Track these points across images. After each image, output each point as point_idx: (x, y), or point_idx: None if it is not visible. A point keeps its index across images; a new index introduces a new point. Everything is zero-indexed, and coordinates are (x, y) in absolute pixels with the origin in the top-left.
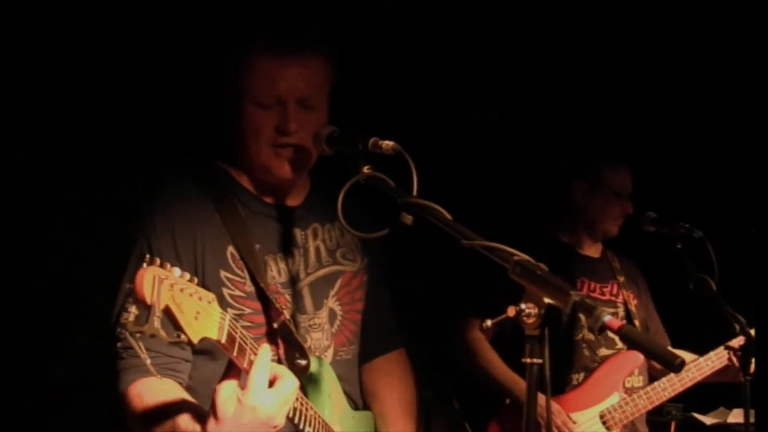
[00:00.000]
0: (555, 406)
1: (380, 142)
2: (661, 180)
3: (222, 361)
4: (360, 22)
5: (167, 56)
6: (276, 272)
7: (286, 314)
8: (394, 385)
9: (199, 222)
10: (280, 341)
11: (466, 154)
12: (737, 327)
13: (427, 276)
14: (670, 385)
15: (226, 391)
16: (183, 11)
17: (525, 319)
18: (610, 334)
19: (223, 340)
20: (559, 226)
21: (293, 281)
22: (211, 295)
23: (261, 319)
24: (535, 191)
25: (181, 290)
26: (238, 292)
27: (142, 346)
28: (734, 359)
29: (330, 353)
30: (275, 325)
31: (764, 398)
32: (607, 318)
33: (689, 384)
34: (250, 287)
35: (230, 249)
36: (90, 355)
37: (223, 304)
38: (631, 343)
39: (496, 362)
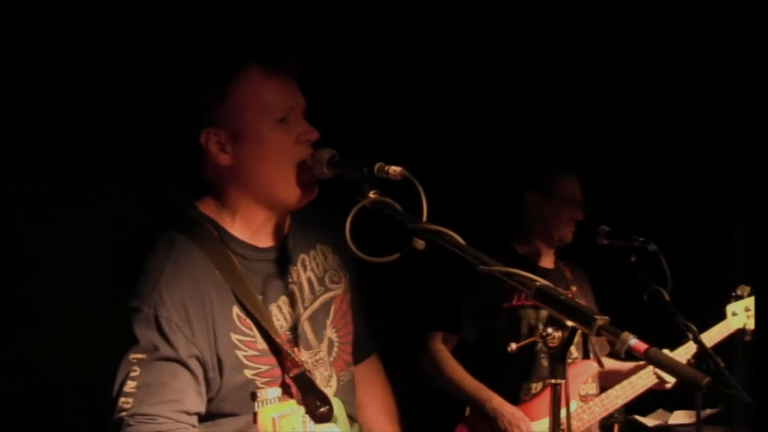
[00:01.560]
0: (519, 413)
1: (387, 168)
2: (616, 193)
3: (221, 429)
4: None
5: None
6: (282, 320)
7: (305, 365)
8: (377, 395)
9: (204, 286)
10: (296, 391)
11: (417, 165)
12: (690, 336)
13: (394, 290)
14: (623, 392)
15: None
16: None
17: (549, 342)
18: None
19: None
20: (515, 238)
21: (296, 321)
22: (294, 404)
23: (278, 372)
24: (488, 203)
25: (282, 417)
26: (251, 352)
27: None
28: (660, 375)
29: (334, 382)
30: (291, 375)
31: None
32: (633, 341)
33: (640, 391)
34: (262, 344)
35: (235, 309)
36: (41, 369)
37: (240, 366)
38: (658, 364)
39: (460, 372)
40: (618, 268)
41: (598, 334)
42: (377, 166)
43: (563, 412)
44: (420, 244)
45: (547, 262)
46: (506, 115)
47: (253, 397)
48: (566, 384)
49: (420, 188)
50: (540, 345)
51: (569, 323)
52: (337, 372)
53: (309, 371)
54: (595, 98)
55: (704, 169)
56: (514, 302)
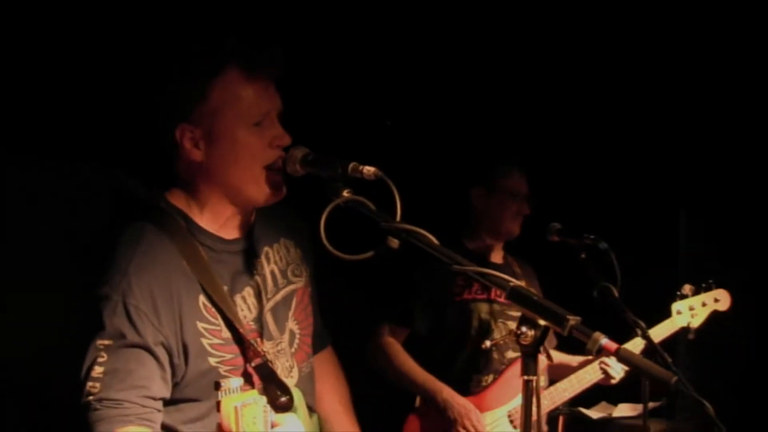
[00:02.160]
0: (469, 405)
1: (361, 167)
2: (565, 191)
3: (184, 414)
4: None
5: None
6: (246, 310)
7: (267, 356)
8: (334, 386)
9: (173, 275)
10: (257, 380)
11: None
12: (639, 332)
13: (342, 283)
14: (570, 386)
15: None
16: (143, 42)
17: (523, 340)
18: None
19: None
20: (464, 234)
21: (260, 312)
22: (255, 393)
23: (240, 361)
24: (436, 200)
25: (245, 405)
26: (216, 341)
27: None
28: (606, 369)
29: (295, 372)
30: (253, 365)
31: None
32: (604, 341)
33: (587, 385)
34: (226, 333)
35: (201, 299)
36: None
37: (205, 354)
38: (628, 363)
39: (410, 364)
40: (568, 264)
41: (569, 334)
42: (351, 165)
43: (514, 403)
44: (394, 243)
45: (497, 257)
46: (457, 112)
47: (217, 386)
48: (537, 380)
49: (394, 188)
50: (489, 339)
51: (542, 322)
52: (298, 363)
53: (271, 361)
54: (544, 96)
55: (651, 168)
56: (465, 296)
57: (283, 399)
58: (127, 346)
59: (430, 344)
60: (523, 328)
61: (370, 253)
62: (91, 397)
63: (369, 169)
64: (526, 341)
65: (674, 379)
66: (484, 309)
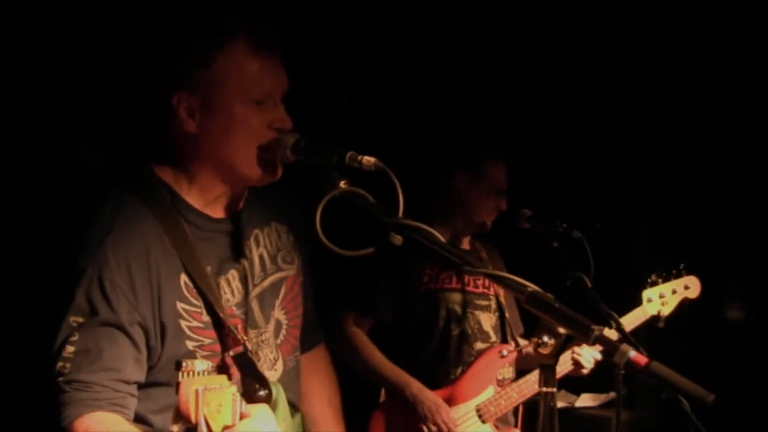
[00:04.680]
0: (439, 400)
1: (360, 157)
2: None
3: (155, 402)
4: None
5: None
6: (230, 293)
7: (248, 345)
8: (323, 385)
9: (153, 250)
10: (235, 371)
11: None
12: (613, 324)
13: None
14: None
15: None
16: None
17: (541, 350)
18: (485, 328)
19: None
20: (434, 220)
21: (244, 298)
22: (224, 379)
23: (219, 348)
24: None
25: (208, 390)
26: (195, 323)
27: None
28: (579, 361)
29: (280, 365)
30: (232, 354)
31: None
32: (633, 354)
33: (558, 376)
34: (206, 317)
35: (183, 278)
36: None
37: (182, 336)
38: (661, 379)
39: (377, 355)
40: (534, 250)
41: (593, 344)
42: (349, 155)
43: (483, 397)
44: (398, 239)
45: (465, 243)
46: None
47: (178, 366)
48: (554, 395)
49: (396, 181)
50: (457, 330)
51: (562, 330)
52: (284, 355)
53: (251, 351)
54: (506, 74)
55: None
56: (432, 285)
57: (261, 393)
58: (101, 324)
59: (396, 334)
60: (544, 338)
61: (370, 249)
62: (60, 378)
63: (369, 159)
64: (545, 351)
65: (711, 397)
66: (455, 299)
